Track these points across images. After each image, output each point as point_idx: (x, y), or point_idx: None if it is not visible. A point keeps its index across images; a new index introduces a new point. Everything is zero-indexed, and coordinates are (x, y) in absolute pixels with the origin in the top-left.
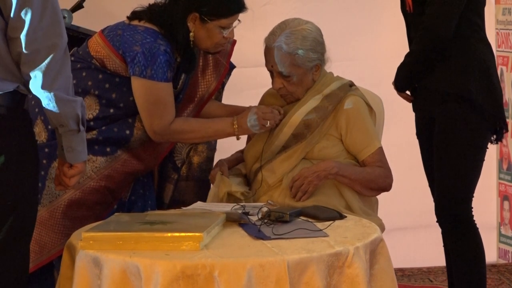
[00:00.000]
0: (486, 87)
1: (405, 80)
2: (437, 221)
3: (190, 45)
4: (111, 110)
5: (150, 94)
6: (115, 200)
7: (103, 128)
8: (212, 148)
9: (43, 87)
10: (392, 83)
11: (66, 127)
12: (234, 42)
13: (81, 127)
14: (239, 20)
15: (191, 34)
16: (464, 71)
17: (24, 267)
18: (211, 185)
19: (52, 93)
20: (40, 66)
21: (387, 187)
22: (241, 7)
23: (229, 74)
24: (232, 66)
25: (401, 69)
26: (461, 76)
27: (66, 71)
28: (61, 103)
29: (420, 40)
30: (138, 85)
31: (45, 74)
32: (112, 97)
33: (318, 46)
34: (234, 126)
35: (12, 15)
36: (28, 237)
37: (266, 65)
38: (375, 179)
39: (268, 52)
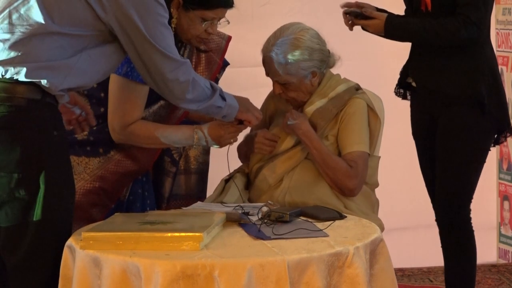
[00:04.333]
0: (494, 90)
1: (403, 37)
2: (436, 220)
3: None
4: (102, 109)
5: (120, 91)
6: (111, 201)
7: (94, 128)
8: None
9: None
10: (384, 23)
11: (218, 115)
12: (229, 38)
13: (223, 104)
14: (228, 22)
15: (173, 20)
16: (474, 74)
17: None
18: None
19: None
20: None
21: (344, 188)
22: (226, 2)
23: (222, 70)
24: (226, 63)
25: (415, 30)
26: (471, 79)
27: (198, 88)
28: (207, 110)
29: (461, 28)
30: (112, 81)
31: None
32: (101, 96)
33: (312, 53)
34: (195, 141)
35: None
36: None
37: (265, 72)
38: (337, 169)
39: (264, 61)
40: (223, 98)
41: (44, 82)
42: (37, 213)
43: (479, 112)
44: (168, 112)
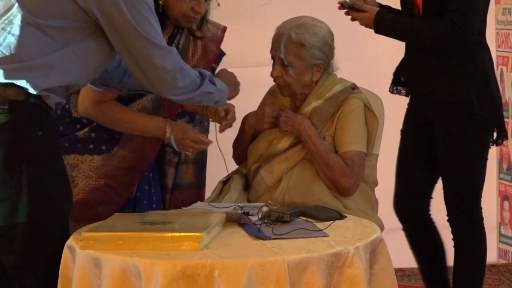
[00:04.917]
0: (486, 96)
1: (391, 34)
2: (448, 221)
3: (159, 10)
4: None
5: None
6: (120, 198)
7: (94, 124)
8: (204, 131)
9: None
10: (374, 18)
11: (211, 102)
12: (225, 29)
13: (213, 89)
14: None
15: None
16: (466, 80)
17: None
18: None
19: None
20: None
21: (340, 187)
22: None
23: (219, 59)
24: (222, 53)
25: (402, 29)
26: (461, 85)
27: (188, 76)
28: (199, 98)
29: (446, 33)
30: None
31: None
32: None
33: (325, 46)
34: (167, 135)
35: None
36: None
37: (271, 50)
38: (334, 167)
39: (277, 37)
40: (213, 83)
41: (22, 83)
42: (23, 215)
43: (471, 118)
44: (167, 100)
